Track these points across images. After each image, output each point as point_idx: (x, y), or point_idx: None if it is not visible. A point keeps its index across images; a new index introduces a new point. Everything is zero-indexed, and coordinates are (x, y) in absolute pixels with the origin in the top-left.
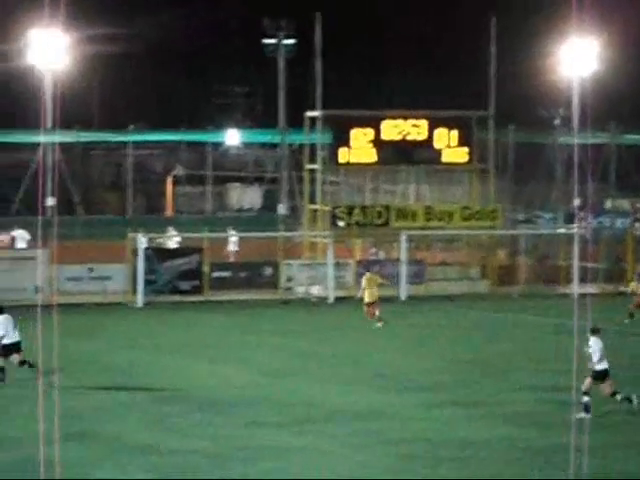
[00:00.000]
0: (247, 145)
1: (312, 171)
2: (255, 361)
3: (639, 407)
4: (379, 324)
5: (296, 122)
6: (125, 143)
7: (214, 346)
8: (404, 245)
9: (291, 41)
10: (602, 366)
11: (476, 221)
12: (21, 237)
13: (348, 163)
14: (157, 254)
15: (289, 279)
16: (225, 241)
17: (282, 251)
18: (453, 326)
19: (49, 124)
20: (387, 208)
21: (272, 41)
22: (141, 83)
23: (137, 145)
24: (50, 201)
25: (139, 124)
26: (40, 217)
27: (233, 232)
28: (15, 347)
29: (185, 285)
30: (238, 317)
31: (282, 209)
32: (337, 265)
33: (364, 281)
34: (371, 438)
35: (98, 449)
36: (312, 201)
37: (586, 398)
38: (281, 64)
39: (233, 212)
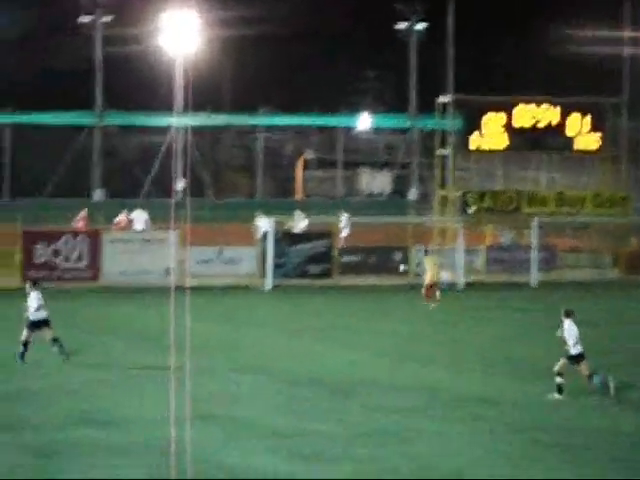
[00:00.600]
0: (378, 130)
1: (443, 157)
2: (382, 346)
3: (614, 393)
4: (433, 305)
5: (427, 107)
6: (256, 126)
7: (342, 330)
8: (536, 231)
9: (423, 25)
10: (577, 350)
11: (607, 208)
12: (139, 218)
13: (479, 149)
14: (286, 237)
15: (419, 264)
16: (355, 226)
17: (412, 236)
18: (583, 314)
19: (180, 107)
20: (518, 194)
21: (405, 25)
22: (272, 66)
23: (268, 128)
24: (181, 183)
25: (270, 107)
26: (171, 199)
27: (345, 216)
28: (44, 323)
29: (314, 269)
30: (367, 302)
31: (412, 194)
32: (467, 251)
33: (427, 262)
34: (497, 424)
35: (225, 431)
36: (442, 186)
37: (559, 379)
38: (413, 48)
39: (363, 197)
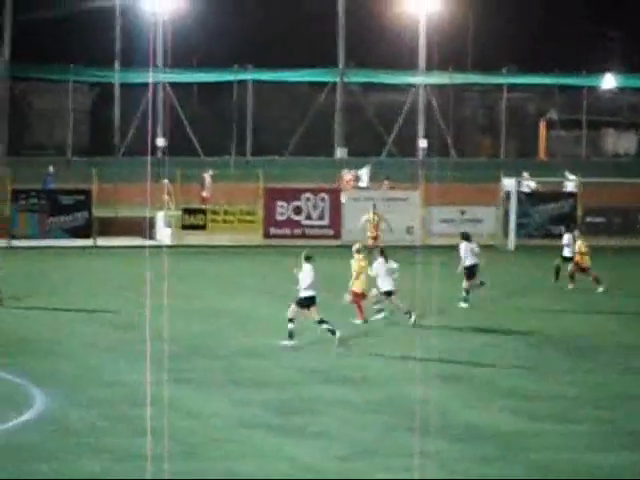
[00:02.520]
0: (622, 90)
1: None
2: (626, 307)
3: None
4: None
5: None
6: (499, 86)
7: (584, 291)
8: None
9: None
10: (308, 293)
11: None
12: (364, 176)
13: None
14: (529, 198)
15: None
16: (599, 185)
17: None
18: None
19: (423, 65)
20: None
21: None
22: (515, 25)
23: (511, 88)
24: (422, 143)
25: (513, 66)
26: (414, 158)
27: (571, 177)
28: None
29: (557, 229)
30: (612, 263)
31: None
32: None
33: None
34: None
35: (468, 391)
36: None
37: (290, 325)
38: None
39: (608, 157)
